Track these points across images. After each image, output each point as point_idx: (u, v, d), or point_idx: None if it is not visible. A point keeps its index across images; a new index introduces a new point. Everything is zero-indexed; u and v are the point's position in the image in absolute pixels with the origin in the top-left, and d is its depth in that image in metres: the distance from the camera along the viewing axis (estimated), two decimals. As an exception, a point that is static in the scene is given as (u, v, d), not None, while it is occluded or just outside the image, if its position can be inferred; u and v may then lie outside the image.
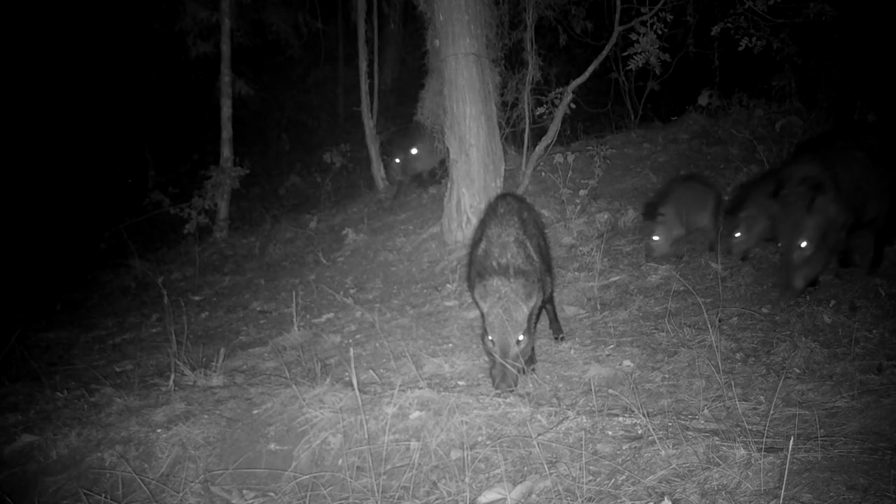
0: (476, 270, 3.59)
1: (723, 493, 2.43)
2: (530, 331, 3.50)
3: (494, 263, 3.52)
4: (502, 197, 4.23)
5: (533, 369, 3.71)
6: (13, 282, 7.99)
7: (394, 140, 9.02)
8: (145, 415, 3.47)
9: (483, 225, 3.92)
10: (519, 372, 3.39)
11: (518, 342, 3.36)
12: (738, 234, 4.97)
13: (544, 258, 3.94)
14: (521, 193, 6.52)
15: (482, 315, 3.53)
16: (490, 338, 3.38)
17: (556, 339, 4.22)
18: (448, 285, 5.52)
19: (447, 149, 6.32)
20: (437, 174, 8.53)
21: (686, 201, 5.21)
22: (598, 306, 4.69)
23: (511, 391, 3.30)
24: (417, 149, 8.48)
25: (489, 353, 3.46)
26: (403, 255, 6.57)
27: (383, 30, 11.62)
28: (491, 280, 3.44)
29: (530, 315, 3.46)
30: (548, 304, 4.23)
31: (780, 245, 4.32)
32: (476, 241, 3.90)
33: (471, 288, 3.96)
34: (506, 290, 3.38)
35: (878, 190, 4.63)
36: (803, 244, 4.20)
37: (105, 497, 2.92)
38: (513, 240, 3.65)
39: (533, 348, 3.72)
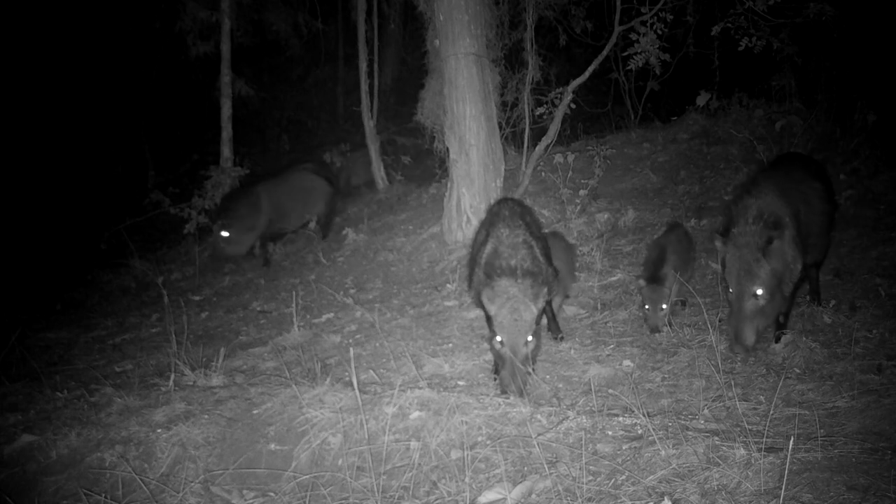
0: (484, 272, 3.59)
1: (723, 493, 2.43)
2: (537, 332, 3.51)
3: (504, 264, 3.52)
4: (504, 200, 4.23)
5: (533, 369, 3.71)
6: (13, 282, 7.98)
7: (217, 213, 7.62)
8: (145, 415, 3.47)
9: (488, 226, 3.90)
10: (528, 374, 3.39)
11: (527, 343, 3.37)
12: (663, 307, 4.20)
13: (548, 260, 3.95)
14: (521, 193, 6.54)
15: (488, 317, 3.52)
16: (499, 339, 3.37)
17: (556, 338, 4.22)
18: (448, 285, 5.52)
19: (447, 149, 6.32)
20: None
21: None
22: (598, 306, 4.69)
23: (520, 394, 3.27)
24: (230, 233, 7.26)
25: (497, 356, 3.44)
26: (403, 255, 6.56)
27: (383, 30, 11.62)
28: (499, 281, 3.44)
29: (538, 316, 3.47)
30: (548, 304, 4.23)
31: (730, 291, 3.73)
32: (480, 243, 3.88)
33: (472, 289, 3.97)
34: (514, 291, 3.39)
35: (822, 228, 4.20)
36: (759, 292, 3.63)
37: (105, 497, 2.92)
38: (521, 241, 3.66)
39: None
